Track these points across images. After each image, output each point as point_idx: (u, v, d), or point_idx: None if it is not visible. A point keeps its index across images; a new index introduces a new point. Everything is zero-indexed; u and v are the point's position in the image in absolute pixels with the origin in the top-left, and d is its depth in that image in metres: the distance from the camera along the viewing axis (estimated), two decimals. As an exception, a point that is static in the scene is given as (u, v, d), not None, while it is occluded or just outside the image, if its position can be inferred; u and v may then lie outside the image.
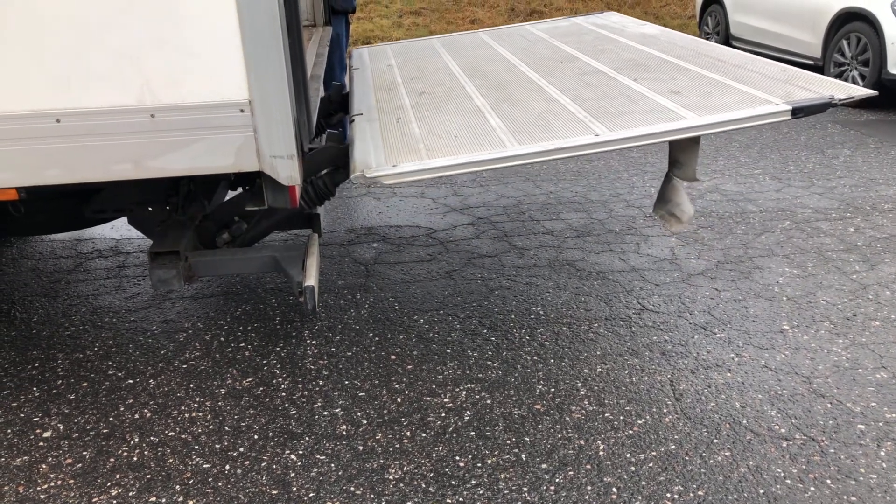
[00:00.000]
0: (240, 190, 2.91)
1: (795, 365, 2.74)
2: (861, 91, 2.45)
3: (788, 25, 7.42)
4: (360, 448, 2.34)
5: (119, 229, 4.00)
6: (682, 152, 2.75)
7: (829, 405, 2.51)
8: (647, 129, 2.35)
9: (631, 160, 5.20)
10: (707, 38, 9.11)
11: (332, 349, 2.89)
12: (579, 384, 2.65)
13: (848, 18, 6.66)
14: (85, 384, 2.67)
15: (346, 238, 3.96)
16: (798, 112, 2.34)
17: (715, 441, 2.34)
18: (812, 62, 7.09)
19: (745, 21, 8.17)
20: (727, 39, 8.56)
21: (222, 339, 2.97)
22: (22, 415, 2.50)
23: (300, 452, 2.32)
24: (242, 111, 2.08)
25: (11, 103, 1.98)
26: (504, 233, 3.99)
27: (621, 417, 2.47)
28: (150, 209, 2.78)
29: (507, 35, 4.31)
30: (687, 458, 2.27)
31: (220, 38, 2.00)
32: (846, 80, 6.71)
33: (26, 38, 1.93)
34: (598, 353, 2.84)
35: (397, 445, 2.34)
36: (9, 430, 2.42)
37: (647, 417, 2.47)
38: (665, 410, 2.50)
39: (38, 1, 1.90)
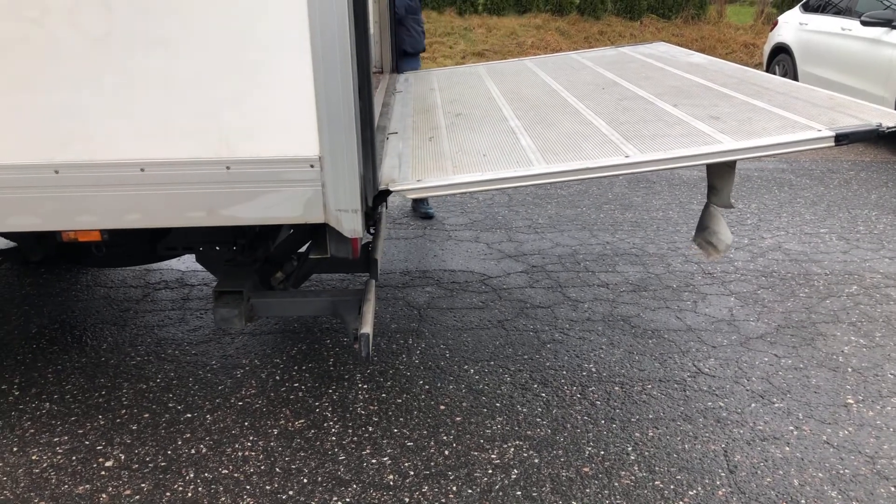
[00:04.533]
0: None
1: (859, 443, 2.63)
2: None
3: (859, 78, 7.24)
4: (406, 500, 2.35)
5: (185, 261, 4.16)
6: (718, 178, 2.70)
7: (892, 488, 2.40)
8: (679, 152, 2.31)
9: (691, 213, 5.14)
10: (774, 88, 8.96)
11: (383, 395, 2.92)
12: (629, 448, 2.61)
13: (924, 74, 6.47)
14: (147, 415, 2.78)
15: (400, 280, 4.02)
16: (842, 139, 2.26)
17: (770, 520, 2.26)
18: (885, 117, 6.88)
19: (815, 72, 8.00)
20: (795, 90, 8.40)
21: (277, 377, 3.05)
22: (87, 442, 2.62)
23: (347, 500, 2.35)
24: (312, 166, 2.16)
25: (101, 153, 2.11)
26: (558, 283, 3.98)
27: (672, 487, 2.42)
28: (217, 249, 2.90)
29: (552, 63, 4.35)
30: (740, 536, 2.20)
31: (295, 99, 2.10)
32: (921, 137, 6.49)
33: (118, 94, 2.07)
34: (651, 416, 2.79)
35: (443, 500, 2.35)
36: (74, 457, 2.54)
37: (699, 489, 2.41)
38: (718, 483, 2.43)
39: (130, 60, 2.04)
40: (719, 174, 2.67)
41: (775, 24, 9.28)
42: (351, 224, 2.25)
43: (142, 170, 2.14)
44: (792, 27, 8.62)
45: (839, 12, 7.81)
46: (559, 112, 3.02)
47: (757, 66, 10.34)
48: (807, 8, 8.55)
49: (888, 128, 2.30)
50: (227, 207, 2.21)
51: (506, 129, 2.84)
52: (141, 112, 2.10)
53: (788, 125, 2.43)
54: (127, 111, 2.09)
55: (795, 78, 8.39)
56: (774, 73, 8.98)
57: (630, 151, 2.37)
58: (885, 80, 6.85)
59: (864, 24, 7.13)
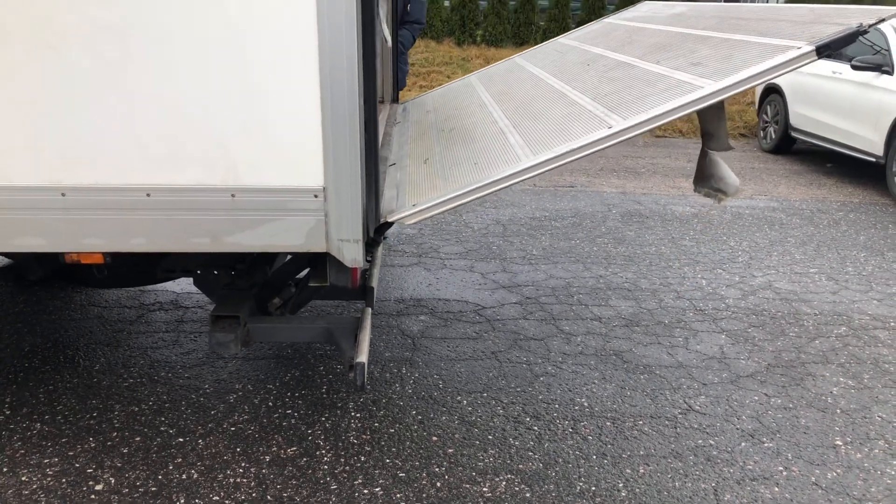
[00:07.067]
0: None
1: (847, 485, 2.65)
2: (894, 10, 2.28)
3: (850, 121, 7.39)
4: (398, 532, 2.35)
5: (180, 283, 4.16)
6: (709, 123, 2.67)
7: (882, 533, 2.42)
8: (660, 108, 2.28)
9: (683, 248, 5.20)
10: (765, 127, 9.13)
11: (376, 424, 2.93)
12: (620, 485, 2.62)
13: (912, 119, 6.61)
14: (138, 438, 2.77)
15: (395, 308, 4.04)
16: (823, 49, 2.20)
17: (759, 562, 2.27)
18: (874, 159, 7.02)
19: (806, 113, 8.17)
20: (786, 130, 8.56)
21: (270, 403, 3.05)
22: (77, 465, 2.60)
23: (338, 530, 2.34)
24: (316, 196, 2.20)
25: (109, 177, 2.14)
26: (552, 315, 4.01)
27: (662, 525, 2.43)
28: (215, 273, 2.91)
29: (540, 53, 4.32)
30: (729, 577, 2.21)
31: (302, 130, 2.14)
32: (909, 180, 6.62)
33: (127, 120, 2.11)
34: (642, 452, 2.81)
35: (434, 533, 2.35)
36: (63, 480, 2.52)
37: (690, 528, 2.42)
38: (708, 522, 2.45)
39: (141, 87, 2.08)
40: (710, 119, 2.64)
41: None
42: (352, 254, 2.28)
43: (148, 195, 2.17)
44: (784, 69, 8.80)
45: (830, 55, 7.99)
46: (546, 101, 2.99)
47: (749, 105, 10.53)
48: (798, 51, 8.74)
49: (870, 25, 2.23)
50: (230, 234, 2.24)
51: (495, 131, 2.83)
52: (149, 138, 2.13)
53: (769, 51, 2.36)
54: (135, 137, 2.13)
55: (786, 118, 8.56)
56: (766, 114, 9.16)
57: (613, 121, 2.33)
58: (875, 123, 7.00)
59: (855, 68, 7.31)
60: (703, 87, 2.30)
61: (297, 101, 2.12)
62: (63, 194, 2.14)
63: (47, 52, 2.04)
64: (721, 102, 2.38)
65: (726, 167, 2.73)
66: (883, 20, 2.23)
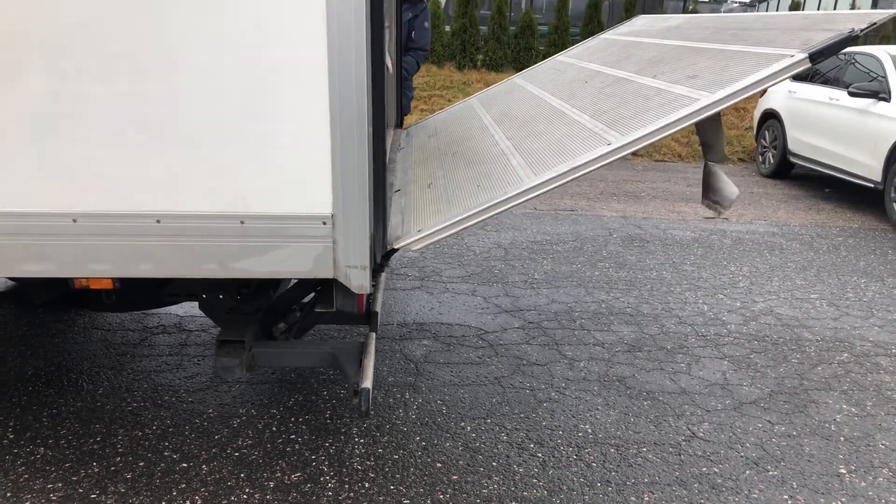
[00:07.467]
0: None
1: (853, 514, 2.65)
2: (885, 13, 2.27)
3: (848, 146, 7.46)
4: (402, 560, 2.33)
5: (183, 306, 4.17)
6: (706, 133, 2.69)
7: (888, 563, 2.41)
8: (658, 123, 2.28)
9: (684, 273, 5.22)
10: (763, 152, 9.21)
11: (380, 450, 2.92)
12: (626, 513, 2.61)
13: (909, 145, 6.67)
14: (142, 463, 2.76)
15: (397, 332, 4.05)
16: (816, 56, 2.22)
17: (766, 592, 2.26)
18: (872, 185, 7.08)
19: (803, 138, 8.24)
20: (784, 155, 8.63)
21: (274, 428, 3.04)
22: (81, 490, 2.59)
23: (343, 558, 2.33)
24: (325, 223, 2.22)
25: (119, 204, 2.16)
26: (554, 340, 4.02)
27: (668, 554, 2.41)
28: (220, 297, 2.92)
29: (539, 72, 4.34)
30: None
31: (312, 158, 2.16)
32: (907, 206, 6.66)
33: (139, 147, 2.13)
34: (646, 480, 2.80)
35: (439, 561, 2.33)
36: (67, 506, 2.51)
37: (695, 557, 2.41)
38: (714, 551, 2.44)
39: (154, 115, 2.11)
40: (707, 130, 2.66)
41: (764, 90, 9.58)
42: (359, 280, 2.29)
43: (158, 221, 2.19)
44: (781, 94, 8.91)
45: (827, 82, 8.10)
46: (546, 120, 3.01)
47: (747, 130, 10.62)
48: (795, 76, 8.84)
49: (861, 30, 2.23)
50: (238, 260, 2.25)
51: (497, 152, 2.85)
52: (159, 164, 2.16)
53: (763, 60, 2.37)
54: (146, 164, 2.15)
55: (784, 143, 8.63)
56: (764, 139, 9.24)
57: (612, 138, 2.35)
58: (872, 149, 7.06)
59: (852, 94, 7.39)
60: (699, 100, 2.31)
61: (307, 128, 2.14)
62: (74, 220, 2.15)
63: (58, 81, 2.07)
64: (718, 114, 2.39)
65: (725, 179, 2.74)
66: (874, 24, 2.23)
